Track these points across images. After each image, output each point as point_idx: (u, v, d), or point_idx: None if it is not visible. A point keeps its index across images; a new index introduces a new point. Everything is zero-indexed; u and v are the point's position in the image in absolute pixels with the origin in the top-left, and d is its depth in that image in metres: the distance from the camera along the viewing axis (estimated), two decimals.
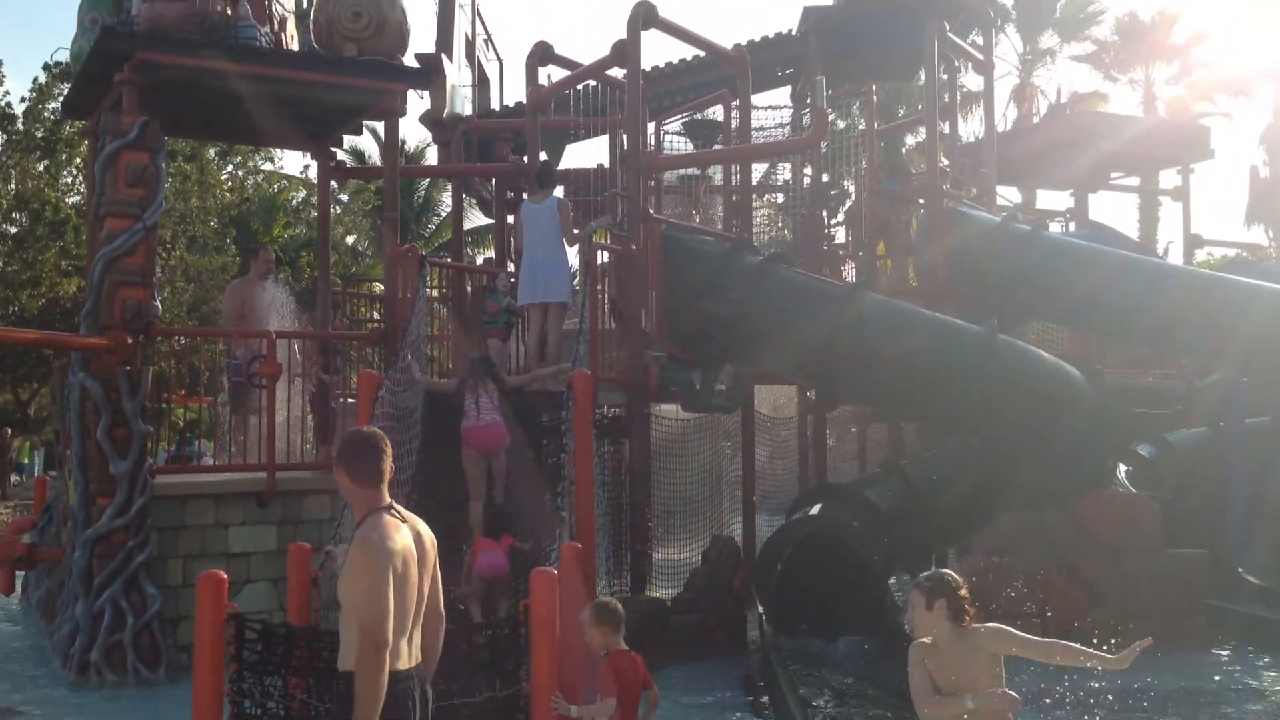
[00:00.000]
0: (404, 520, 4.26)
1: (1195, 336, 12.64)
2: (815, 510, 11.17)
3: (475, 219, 30.00)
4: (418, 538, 4.28)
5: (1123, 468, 12.06)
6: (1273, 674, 9.62)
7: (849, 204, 17.02)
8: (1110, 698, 8.66)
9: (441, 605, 4.48)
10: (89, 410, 9.55)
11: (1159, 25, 37.41)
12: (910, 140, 28.70)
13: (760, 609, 10.91)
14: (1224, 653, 10.28)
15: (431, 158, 34.03)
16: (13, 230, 24.16)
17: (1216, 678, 9.49)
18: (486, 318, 11.21)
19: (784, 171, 16.89)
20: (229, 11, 10.67)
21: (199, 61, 10.13)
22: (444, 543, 7.88)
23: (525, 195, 12.02)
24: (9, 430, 27.43)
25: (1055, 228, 17.53)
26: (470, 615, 7.62)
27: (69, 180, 24.46)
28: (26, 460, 31.72)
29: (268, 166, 32.13)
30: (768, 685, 9.06)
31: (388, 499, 4.26)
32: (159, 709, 7.92)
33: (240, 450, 11.24)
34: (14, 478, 28.97)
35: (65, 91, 21.73)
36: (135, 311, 9.61)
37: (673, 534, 13.23)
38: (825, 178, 15.61)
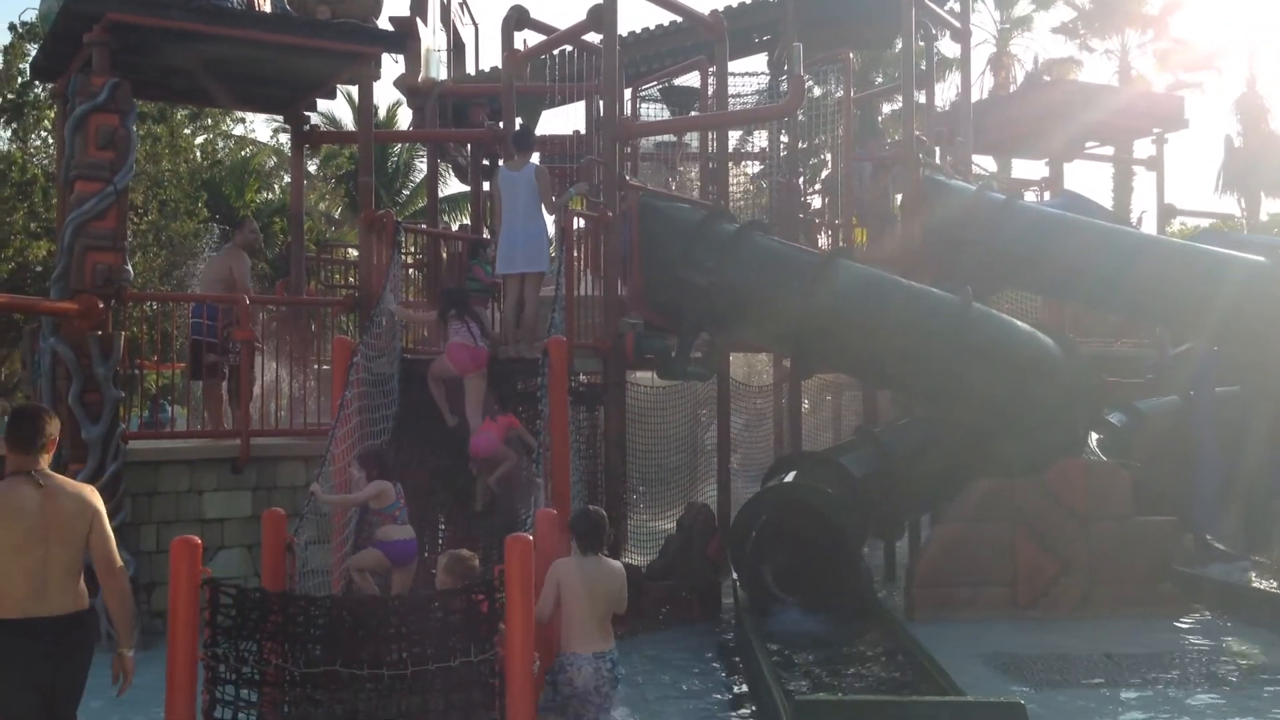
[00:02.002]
0: (41, 486, 4.80)
1: (1168, 306, 12.72)
2: (790, 478, 11.22)
3: (451, 185, 29.84)
4: (46, 504, 4.79)
5: (1094, 436, 12.17)
6: (1239, 639, 9.77)
7: (826, 172, 17.01)
8: (1079, 662, 8.79)
9: (103, 561, 4.91)
10: (60, 375, 9.47)
11: None
12: (887, 109, 28.68)
13: (734, 576, 10.98)
14: (1192, 619, 10.43)
15: (403, 122, 33.82)
16: None
17: (1184, 643, 9.63)
18: (478, 286, 11.08)
19: (760, 139, 16.87)
20: None
21: (170, 23, 9.97)
22: (421, 502, 7.96)
23: (501, 162, 11.95)
24: None
25: (1030, 197, 17.59)
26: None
27: (38, 143, 24.14)
28: None
29: (238, 131, 31.80)
30: (741, 652, 9.13)
31: (27, 467, 4.84)
32: (134, 674, 7.89)
33: (213, 418, 11.18)
34: None
35: (33, 53, 21.49)
36: (106, 276, 9.51)
37: (648, 501, 13.30)
38: (803, 145, 15.57)
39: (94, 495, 5.02)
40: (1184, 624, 10.28)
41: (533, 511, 7.12)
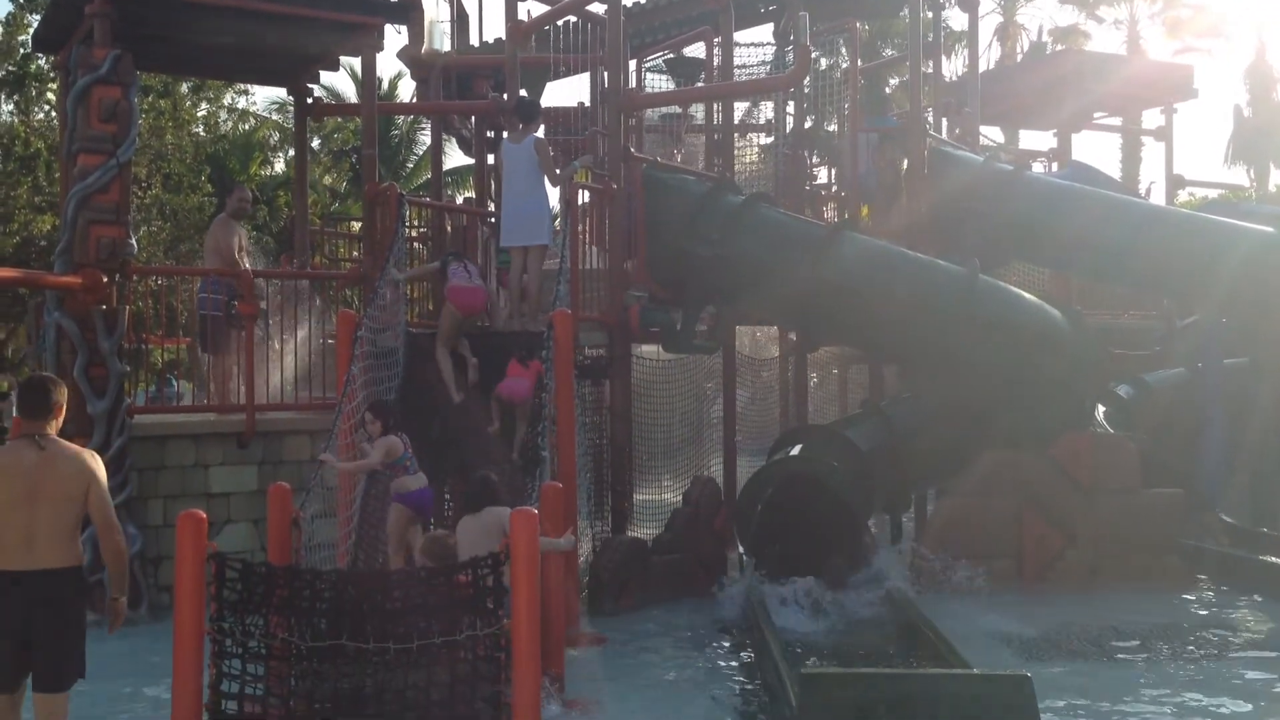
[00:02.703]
0: (41, 449, 5.15)
1: (1175, 277, 12.66)
2: (796, 451, 11.21)
3: (455, 158, 29.67)
4: (42, 465, 5.13)
5: (1101, 408, 12.13)
6: (1245, 611, 9.78)
7: (834, 143, 16.88)
8: (1085, 635, 8.79)
9: (101, 520, 5.23)
10: (65, 350, 9.47)
11: None
12: (894, 80, 28.47)
13: (741, 549, 10.98)
14: (1198, 592, 10.43)
15: (405, 94, 33.65)
16: None
17: (1190, 615, 9.64)
18: (507, 260, 10.90)
19: (766, 110, 16.76)
20: None
21: None
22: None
23: (505, 134, 11.88)
24: None
25: (1038, 168, 17.48)
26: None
27: (40, 116, 24.05)
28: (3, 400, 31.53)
29: (241, 104, 31.68)
30: (748, 625, 9.14)
31: (33, 431, 5.21)
32: (140, 648, 7.92)
33: (220, 392, 11.16)
34: None
35: (33, 23, 21.38)
36: (110, 250, 9.49)
37: (654, 475, 13.29)
38: (809, 122, 15.46)
39: (93, 459, 5.32)
40: (1189, 596, 10.28)
41: (537, 485, 7.11)
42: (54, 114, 23.14)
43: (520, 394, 8.58)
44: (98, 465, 5.32)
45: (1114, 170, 29.15)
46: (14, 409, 5.38)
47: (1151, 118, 20.43)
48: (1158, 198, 19.04)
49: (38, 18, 20.74)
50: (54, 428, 5.31)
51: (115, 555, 5.32)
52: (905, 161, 13.29)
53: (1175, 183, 19.35)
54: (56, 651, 5.18)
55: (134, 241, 10.05)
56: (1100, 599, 9.98)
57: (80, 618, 5.29)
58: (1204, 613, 9.75)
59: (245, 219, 12.43)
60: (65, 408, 5.43)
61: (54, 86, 22.39)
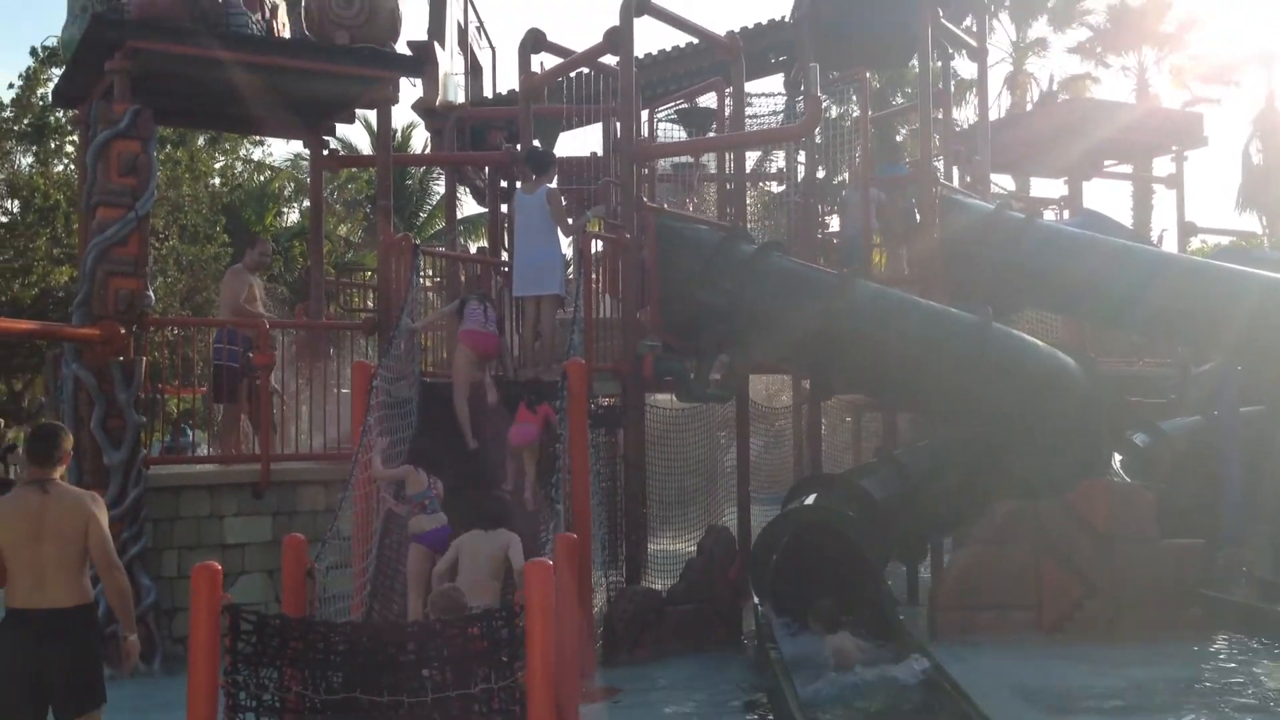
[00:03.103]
0: (45, 492, 5.48)
1: (1190, 324, 12.62)
2: (810, 500, 11.16)
3: (469, 207, 29.92)
4: (45, 507, 5.44)
5: (1117, 456, 12.05)
6: (1267, 663, 9.64)
7: (845, 193, 16.98)
8: (1105, 688, 8.68)
9: (99, 555, 5.52)
10: (82, 401, 9.51)
11: (1151, 11, 37.35)
12: (905, 130, 28.67)
13: (756, 600, 10.91)
14: (1219, 643, 10.30)
15: (418, 143, 33.98)
16: (3, 219, 24.06)
17: (1211, 668, 9.51)
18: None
19: (778, 159, 16.86)
20: None
21: (191, 49, 10.07)
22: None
23: (518, 183, 11.96)
24: (2, 421, 27.33)
25: (1050, 215, 17.52)
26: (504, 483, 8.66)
27: (60, 169, 24.33)
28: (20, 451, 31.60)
29: (256, 155, 32.01)
30: (764, 678, 9.06)
31: (41, 477, 5.55)
32: (154, 701, 7.89)
33: (232, 443, 11.19)
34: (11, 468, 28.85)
35: (54, 78, 21.68)
36: (128, 302, 9.56)
37: (668, 524, 13.24)
38: (821, 172, 15.54)
39: (93, 501, 5.65)
40: (1211, 648, 10.14)
41: (552, 536, 7.08)
42: (73, 167, 23.43)
43: (526, 438, 8.68)
44: (98, 506, 5.62)
45: (1125, 217, 29.23)
46: (26, 457, 5.80)
47: (1162, 165, 20.47)
48: (1170, 245, 19.07)
49: (57, 72, 21.07)
50: (59, 474, 5.64)
51: (118, 593, 5.59)
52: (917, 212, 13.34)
53: (1187, 230, 19.36)
54: (73, 683, 5.44)
55: (151, 293, 10.12)
56: (1121, 651, 9.85)
57: (94, 650, 5.57)
58: (1228, 665, 9.61)
59: (263, 270, 12.53)
60: (71, 455, 5.79)
61: (73, 140, 22.68)
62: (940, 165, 14.50)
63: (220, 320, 11.14)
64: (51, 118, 23.20)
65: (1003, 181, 19.81)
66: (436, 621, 6.02)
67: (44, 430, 5.83)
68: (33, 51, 23.43)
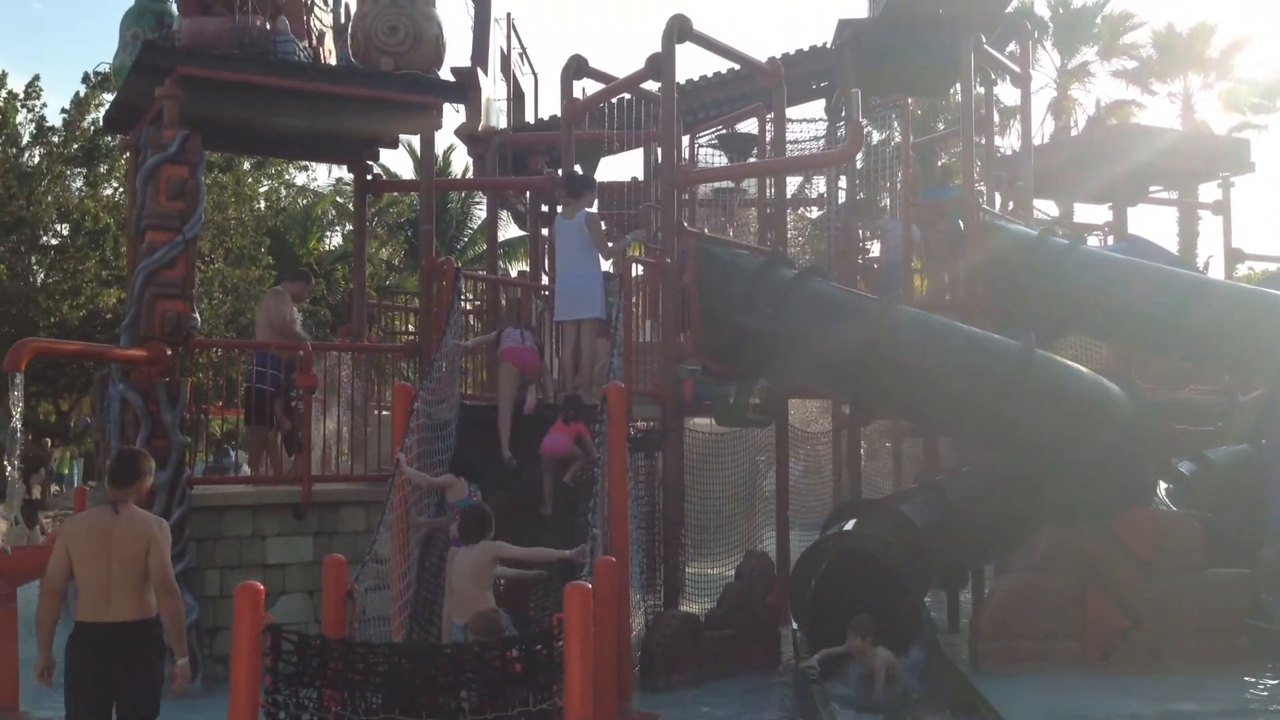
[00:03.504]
0: (117, 513, 5.82)
1: (1233, 350, 12.49)
2: (850, 526, 11.08)
3: (510, 231, 30.10)
4: (114, 528, 5.78)
5: (1162, 485, 11.90)
6: None
7: (883, 219, 16.93)
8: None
9: (158, 575, 5.83)
10: (129, 421, 9.63)
11: (1196, 37, 37.09)
12: (945, 156, 28.56)
13: (795, 625, 10.84)
14: (1266, 674, 10.12)
15: (458, 167, 34.26)
16: (53, 242, 24.49)
17: (1258, 699, 9.35)
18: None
19: (819, 184, 16.84)
20: (268, 27, 10.77)
21: (239, 76, 10.23)
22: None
23: (559, 208, 12.01)
24: (50, 441, 27.72)
25: (1094, 241, 17.38)
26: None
27: (109, 192, 24.75)
28: (67, 471, 32.02)
29: (301, 179, 32.37)
30: (803, 705, 8.99)
31: (115, 499, 5.90)
32: (195, 719, 7.93)
33: (257, 462, 11.28)
34: (54, 488, 29.23)
35: (104, 103, 22.09)
36: (175, 323, 9.69)
37: (706, 548, 13.18)
38: (861, 195, 15.51)
39: (156, 525, 5.95)
40: (1258, 679, 9.96)
41: (590, 559, 7.08)
42: (122, 190, 23.83)
43: (556, 449, 8.85)
44: (161, 530, 5.92)
45: (1171, 244, 28.94)
46: (106, 478, 6.12)
47: (1208, 191, 20.28)
48: (1216, 272, 18.85)
49: (107, 97, 21.46)
50: (134, 496, 6.00)
51: (173, 617, 5.86)
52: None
53: (1234, 256, 19.16)
54: (133, 694, 5.80)
55: (197, 315, 10.25)
56: (1167, 682, 9.69)
57: (154, 664, 5.89)
58: (1272, 697, 9.44)
59: (301, 302, 12.68)
60: (149, 479, 6.20)
61: (123, 164, 23.07)
62: (983, 190, 14.41)
63: (265, 342, 11.23)
64: (102, 142, 23.63)
65: (1046, 207, 19.68)
66: (475, 644, 6.03)
67: (124, 454, 6.28)
68: (85, 78, 23.94)
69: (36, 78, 24.31)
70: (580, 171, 12.52)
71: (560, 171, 12.93)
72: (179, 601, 5.93)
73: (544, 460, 8.94)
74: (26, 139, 24.00)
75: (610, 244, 10.93)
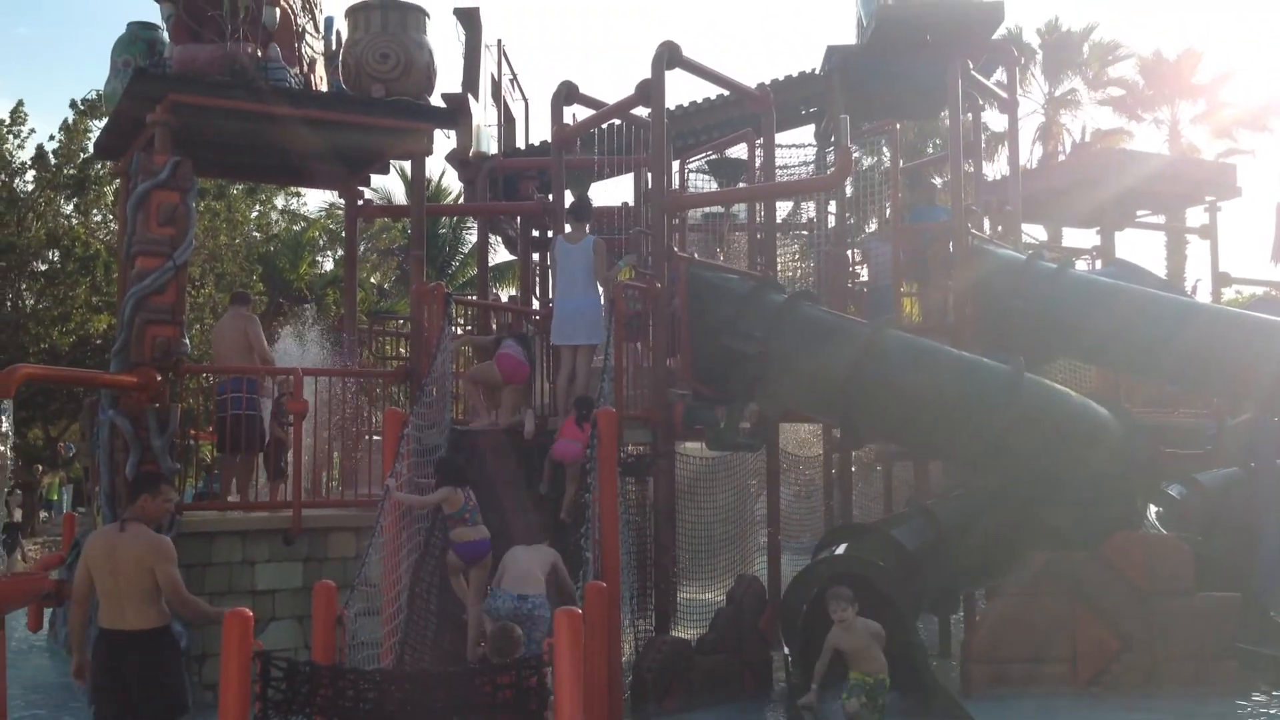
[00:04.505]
0: (122, 531, 6.40)
1: (1219, 373, 12.53)
2: (841, 550, 11.07)
3: (500, 255, 30.15)
4: (119, 545, 6.32)
5: (1152, 508, 11.91)
6: None
7: (864, 238, 16.98)
8: None
9: (169, 592, 6.37)
10: (118, 447, 9.61)
11: (1183, 64, 37.39)
12: (936, 180, 28.72)
13: (786, 650, 10.81)
14: (1256, 698, 10.13)
15: (452, 191, 34.32)
16: (43, 268, 24.47)
17: None
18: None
19: (809, 210, 16.91)
20: (259, 54, 10.82)
21: (230, 103, 10.28)
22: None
23: (550, 232, 12.05)
24: (39, 466, 27.61)
25: (1082, 265, 17.46)
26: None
27: (99, 218, 24.75)
28: (55, 497, 31.92)
29: (292, 205, 32.41)
30: None
31: (124, 517, 6.58)
32: None
33: (242, 489, 11.24)
34: (43, 514, 29.13)
35: (94, 129, 22.13)
36: (165, 349, 9.69)
37: (697, 573, 13.17)
38: (850, 219, 15.57)
39: (160, 544, 6.46)
40: (1248, 703, 9.97)
41: (581, 584, 7.08)
42: (112, 216, 23.83)
43: (572, 454, 9.02)
44: (159, 551, 6.39)
45: (1159, 268, 29.09)
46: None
47: (1195, 215, 20.39)
48: (1204, 295, 18.93)
49: (96, 125, 21.50)
50: (145, 516, 6.56)
51: (196, 617, 6.64)
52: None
53: (1221, 280, 19.24)
54: (149, 695, 6.32)
55: (187, 341, 10.24)
56: (1158, 705, 9.70)
57: (170, 664, 6.46)
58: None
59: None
60: (169, 500, 6.87)
61: (112, 190, 23.09)
62: (975, 210, 14.46)
63: (255, 368, 11.19)
64: (93, 170, 23.65)
65: (1034, 232, 19.80)
66: (465, 670, 6.03)
67: (135, 477, 7.27)
68: (73, 104, 23.95)
69: (20, 103, 24.28)
70: (578, 196, 12.58)
71: (550, 197, 12.97)
72: (195, 605, 6.52)
73: (552, 464, 9.20)
74: (17, 165, 24.01)
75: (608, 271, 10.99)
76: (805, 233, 17.27)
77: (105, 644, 6.36)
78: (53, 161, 23.74)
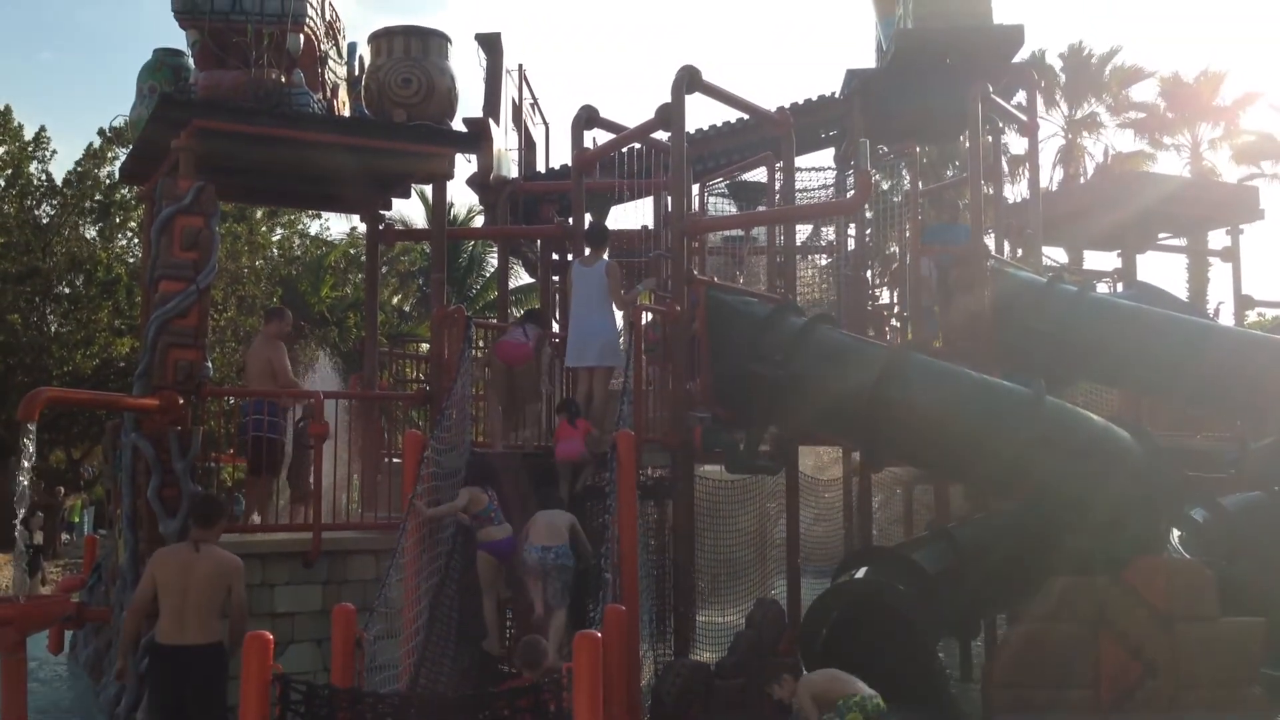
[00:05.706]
0: (196, 550, 7.00)
1: (1240, 396, 12.46)
2: (861, 573, 11.05)
3: (520, 278, 30.26)
4: (191, 563, 6.91)
5: (1175, 533, 11.82)
6: None
7: (895, 265, 16.98)
8: None
9: (237, 609, 7.09)
10: (140, 470, 9.65)
11: (1204, 87, 37.29)
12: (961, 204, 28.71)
13: (805, 673, 10.75)
14: None
15: (464, 208, 34.52)
16: (66, 291, 24.71)
17: None
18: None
19: (828, 233, 16.92)
20: (283, 79, 10.92)
21: (254, 128, 10.37)
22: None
23: (570, 256, 12.08)
24: (61, 489, 27.78)
25: (1103, 288, 17.40)
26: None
27: (124, 243, 24.99)
28: (77, 519, 32.07)
29: (314, 228, 32.62)
30: None
31: (197, 538, 7.13)
32: None
33: (263, 512, 11.27)
34: (64, 536, 29.27)
35: (118, 155, 22.36)
36: (187, 372, 9.74)
37: (716, 596, 13.14)
38: (869, 240, 15.57)
39: (237, 563, 7.11)
40: None
41: (600, 607, 7.07)
42: (135, 240, 24.05)
43: (575, 452, 9.32)
44: (240, 567, 7.09)
45: (1180, 291, 28.97)
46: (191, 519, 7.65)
47: (1217, 238, 20.33)
48: (1226, 318, 18.84)
49: (121, 151, 21.74)
50: (214, 536, 7.15)
51: (238, 636, 6.66)
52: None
53: (1244, 303, 19.16)
54: (200, 709, 6.73)
55: (209, 364, 10.30)
56: None
57: (219, 684, 6.88)
58: None
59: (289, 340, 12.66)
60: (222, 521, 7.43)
61: (135, 214, 23.31)
62: (992, 239, 14.46)
63: (276, 391, 11.23)
64: (117, 195, 23.90)
65: (1055, 254, 19.74)
66: (483, 694, 6.03)
67: (207, 498, 7.77)
68: (100, 132, 24.25)
69: (43, 129, 24.55)
70: (594, 221, 12.64)
71: (570, 221, 13.02)
72: (246, 624, 6.82)
73: (560, 466, 9.34)
74: (40, 189, 24.29)
75: (624, 294, 11.00)
76: (826, 258, 17.30)
77: (162, 658, 6.75)
78: (74, 185, 24.00)
